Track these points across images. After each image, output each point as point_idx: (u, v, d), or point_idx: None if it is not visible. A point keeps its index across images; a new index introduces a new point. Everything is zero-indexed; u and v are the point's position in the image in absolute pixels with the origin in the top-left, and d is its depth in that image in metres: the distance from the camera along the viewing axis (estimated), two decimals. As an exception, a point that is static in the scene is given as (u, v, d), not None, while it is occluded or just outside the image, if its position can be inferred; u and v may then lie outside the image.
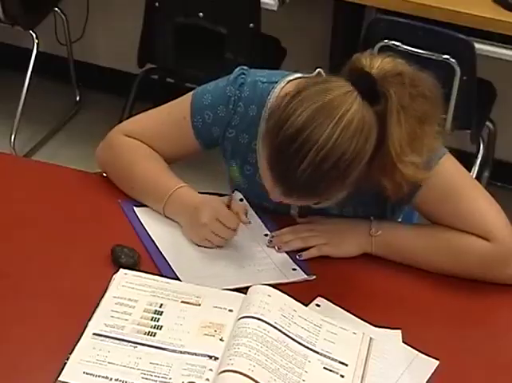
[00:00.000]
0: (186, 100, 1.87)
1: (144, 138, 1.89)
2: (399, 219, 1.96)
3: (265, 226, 1.84)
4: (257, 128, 1.82)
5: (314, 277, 1.73)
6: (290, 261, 1.76)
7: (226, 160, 1.91)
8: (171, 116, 1.89)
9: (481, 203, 1.74)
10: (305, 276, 1.73)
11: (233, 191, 1.91)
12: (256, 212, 1.87)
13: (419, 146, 1.60)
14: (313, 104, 1.54)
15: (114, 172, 1.92)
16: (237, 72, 1.85)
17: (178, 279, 1.67)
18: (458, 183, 1.75)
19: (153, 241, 1.77)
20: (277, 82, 1.80)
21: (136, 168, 1.88)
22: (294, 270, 1.74)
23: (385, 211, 1.85)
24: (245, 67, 1.85)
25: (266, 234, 1.82)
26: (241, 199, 1.89)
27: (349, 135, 1.53)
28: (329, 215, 1.84)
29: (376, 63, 1.59)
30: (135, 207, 1.85)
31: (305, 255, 1.77)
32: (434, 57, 2.78)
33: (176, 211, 1.82)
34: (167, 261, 1.72)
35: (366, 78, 1.57)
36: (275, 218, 1.86)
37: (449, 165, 1.75)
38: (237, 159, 1.88)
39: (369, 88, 1.56)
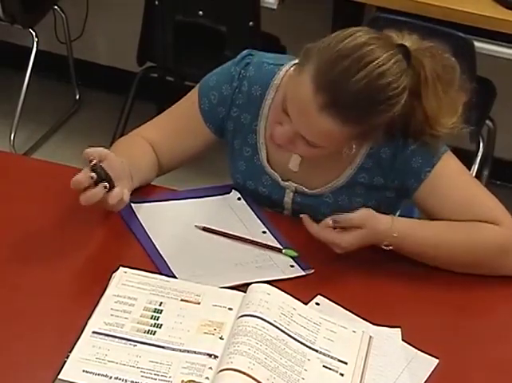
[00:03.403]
0: (195, 89, 1.91)
1: (158, 136, 1.90)
2: (397, 214, 1.95)
3: (263, 223, 1.84)
4: (260, 109, 1.83)
5: (313, 271, 1.73)
6: (288, 258, 1.76)
7: (228, 149, 1.91)
8: (182, 105, 1.92)
9: (483, 198, 1.75)
10: (304, 272, 1.73)
11: (231, 190, 1.92)
12: (253, 210, 1.87)
13: (454, 109, 1.72)
14: (371, 33, 1.63)
15: None
16: (244, 53, 1.87)
17: (176, 278, 1.66)
18: (458, 179, 1.77)
19: (151, 239, 1.77)
20: (283, 65, 1.83)
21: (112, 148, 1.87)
22: (292, 266, 1.74)
23: (380, 203, 1.83)
24: (253, 50, 1.86)
25: (264, 232, 1.82)
26: (238, 199, 1.90)
27: (402, 68, 1.62)
28: (324, 203, 1.84)
29: (405, 36, 1.68)
30: (132, 204, 1.83)
31: None
32: (433, 56, 2.78)
33: None
34: (164, 259, 1.72)
35: (403, 49, 1.65)
36: (273, 216, 1.87)
37: (450, 162, 1.77)
38: (237, 140, 1.88)
39: (405, 57, 1.64)
